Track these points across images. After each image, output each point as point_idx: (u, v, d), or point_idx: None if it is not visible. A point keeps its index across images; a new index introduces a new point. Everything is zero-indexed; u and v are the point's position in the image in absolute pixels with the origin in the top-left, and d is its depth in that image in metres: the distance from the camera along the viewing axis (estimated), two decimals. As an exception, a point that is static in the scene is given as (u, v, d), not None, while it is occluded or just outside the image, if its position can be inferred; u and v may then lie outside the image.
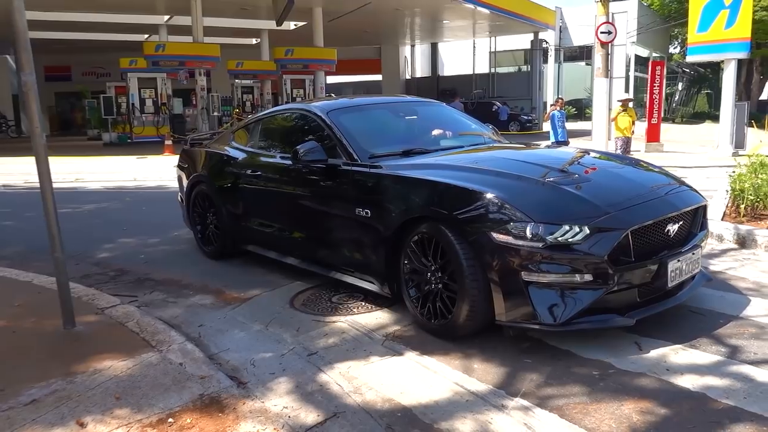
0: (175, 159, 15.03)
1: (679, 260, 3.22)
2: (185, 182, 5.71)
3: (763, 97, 36.79)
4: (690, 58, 16.85)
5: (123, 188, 10.69)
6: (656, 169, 3.98)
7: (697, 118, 35.69)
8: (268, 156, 4.82)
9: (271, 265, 4.83)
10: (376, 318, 3.72)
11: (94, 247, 5.89)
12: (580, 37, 30.09)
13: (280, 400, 2.76)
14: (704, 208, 3.65)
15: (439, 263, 3.28)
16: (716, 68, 35.14)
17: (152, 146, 19.09)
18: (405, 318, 3.66)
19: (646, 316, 3.12)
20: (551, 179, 3.38)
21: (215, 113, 22.33)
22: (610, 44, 14.09)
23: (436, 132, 4.61)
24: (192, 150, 5.90)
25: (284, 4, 15.48)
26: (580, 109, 36.21)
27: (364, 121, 4.50)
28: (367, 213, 3.67)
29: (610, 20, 13.47)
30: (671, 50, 39.66)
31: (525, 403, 2.62)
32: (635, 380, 2.77)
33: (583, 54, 33.75)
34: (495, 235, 3.01)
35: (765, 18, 28.68)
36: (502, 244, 2.99)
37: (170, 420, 2.58)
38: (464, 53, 35.82)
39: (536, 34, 29.57)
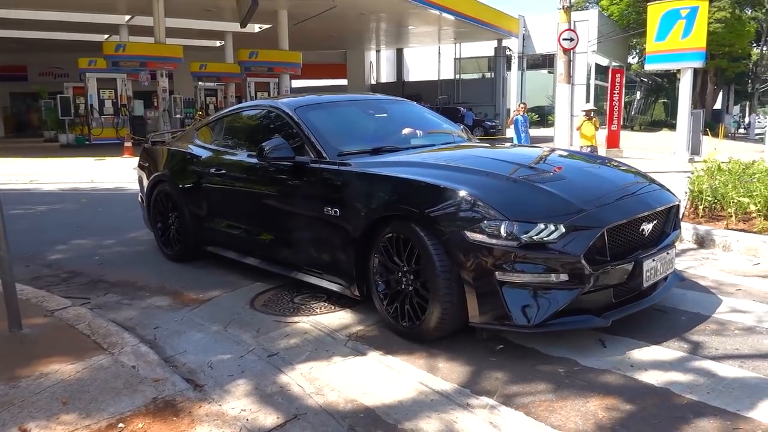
0: (134, 161, 14.64)
1: (654, 260, 3.17)
2: (146, 182, 5.48)
3: (717, 106, 38.06)
4: (648, 67, 17.27)
5: (79, 189, 10.37)
6: (626, 168, 3.95)
7: (654, 125, 36.68)
8: (233, 154, 4.65)
9: (231, 266, 4.70)
10: (339, 318, 3.63)
11: (46, 248, 5.65)
12: (542, 45, 30.68)
13: (238, 402, 2.65)
14: (677, 207, 3.61)
15: (412, 266, 3.15)
16: (672, 78, 36.24)
17: (111, 148, 18.59)
18: (369, 318, 3.58)
19: (621, 317, 3.05)
20: (525, 176, 3.33)
21: (178, 115, 21.89)
22: (572, 51, 14.33)
23: (406, 131, 4.52)
24: (153, 148, 5.68)
25: (248, 6, 15.35)
26: (543, 116, 36.85)
27: (333, 118, 4.38)
28: (336, 212, 3.55)
29: (572, 28, 13.69)
30: (630, 60, 40.71)
31: (490, 401, 2.57)
32: (600, 377, 2.75)
33: (546, 62, 34.42)
34: (468, 233, 2.90)
35: (718, 30, 29.66)
36: (476, 243, 2.88)
37: (120, 425, 2.45)
38: (429, 59, 36.09)
39: (500, 41, 30.00)
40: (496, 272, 2.85)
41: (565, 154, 4.21)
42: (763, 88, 44.88)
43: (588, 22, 28.76)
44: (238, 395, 2.72)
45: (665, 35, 15.91)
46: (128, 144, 16.68)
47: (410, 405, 2.57)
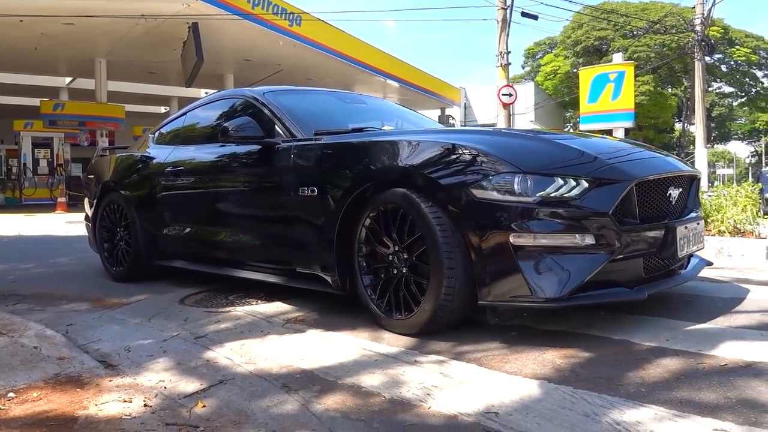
0: (68, 216, 13.92)
1: (686, 227, 2.78)
2: (91, 200, 4.95)
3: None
4: (583, 127, 18.11)
5: (2, 237, 9.69)
6: (641, 143, 3.63)
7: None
8: (191, 149, 4.18)
9: (162, 277, 4.36)
10: (276, 307, 3.35)
11: (-46, 273, 5.13)
12: (482, 115, 31.93)
13: (156, 375, 2.32)
14: (698, 182, 3.27)
15: (406, 242, 2.67)
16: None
17: (45, 207, 17.72)
18: (309, 306, 3.32)
19: (656, 291, 2.67)
20: (537, 134, 3.04)
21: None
22: (511, 109, 14.91)
23: (387, 127, 3.95)
24: (101, 159, 5.20)
25: (193, 63, 15.37)
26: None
27: (307, 102, 3.91)
28: (313, 191, 3.02)
29: (510, 84, 14.29)
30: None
31: (440, 357, 2.34)
32: (556, 335, 2.58)
33: (487, 132, 35.80)
34: (475, 191, 2.44)
35: (644, 102, 31.74)
36: (485, 203, 2.42)
37: (11, 395, 2.09)
38: (375, 128, 36.83)
39: (443, 110, 31.02)
40: (511, 236, 2.38)
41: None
42: (688, 159, 47.89)
43: (526, 92, 30.28)
44: (156, 370, 2.39)
45: (596, 97, 16.86)
46: (62, 200, 15.90)
47: (352, 365, 2.31)
